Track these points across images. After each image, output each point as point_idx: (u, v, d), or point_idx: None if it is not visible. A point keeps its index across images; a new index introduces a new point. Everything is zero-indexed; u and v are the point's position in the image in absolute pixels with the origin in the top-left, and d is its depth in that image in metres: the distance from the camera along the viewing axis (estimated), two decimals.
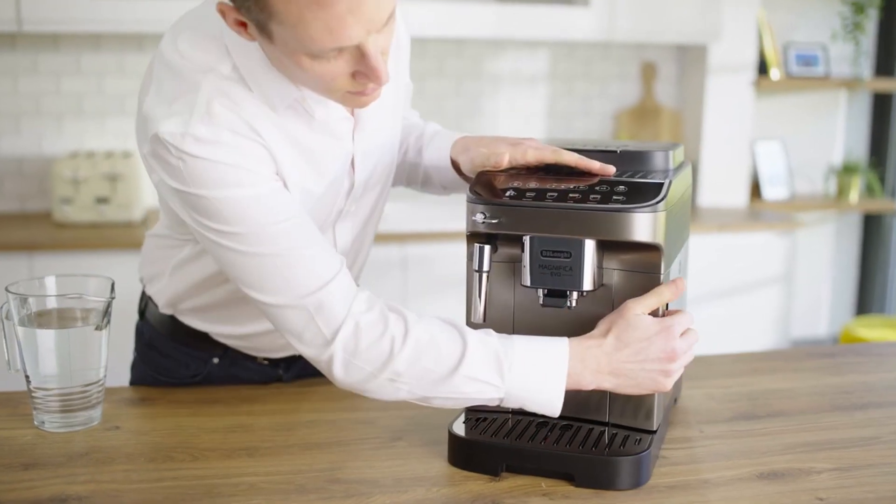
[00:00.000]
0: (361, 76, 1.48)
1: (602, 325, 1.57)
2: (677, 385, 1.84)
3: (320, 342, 1.53)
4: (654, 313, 1.58)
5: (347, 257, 1.88)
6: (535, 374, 1.53)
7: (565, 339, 1.55)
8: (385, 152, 1.83)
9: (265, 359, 1.98)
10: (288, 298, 1.53)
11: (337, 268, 1.55)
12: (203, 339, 1.95)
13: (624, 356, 1.55)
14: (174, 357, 1.98)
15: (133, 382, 2.05)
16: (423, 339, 1.53)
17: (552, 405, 1.54)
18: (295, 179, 1.62)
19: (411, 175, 1.99)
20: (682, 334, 1.58)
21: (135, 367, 2.06)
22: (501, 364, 1.53)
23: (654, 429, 1.59)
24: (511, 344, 1.55)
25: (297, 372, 2.00)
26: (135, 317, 2.05)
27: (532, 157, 1.65)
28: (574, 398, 1.59)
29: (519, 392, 1.54)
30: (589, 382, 1.55)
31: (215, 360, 1.96)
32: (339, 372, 1.54)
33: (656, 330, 1.55)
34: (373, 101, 1.57)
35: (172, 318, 1.95)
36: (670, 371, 1.55)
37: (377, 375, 1.53)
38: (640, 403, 1.61)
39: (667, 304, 1.60)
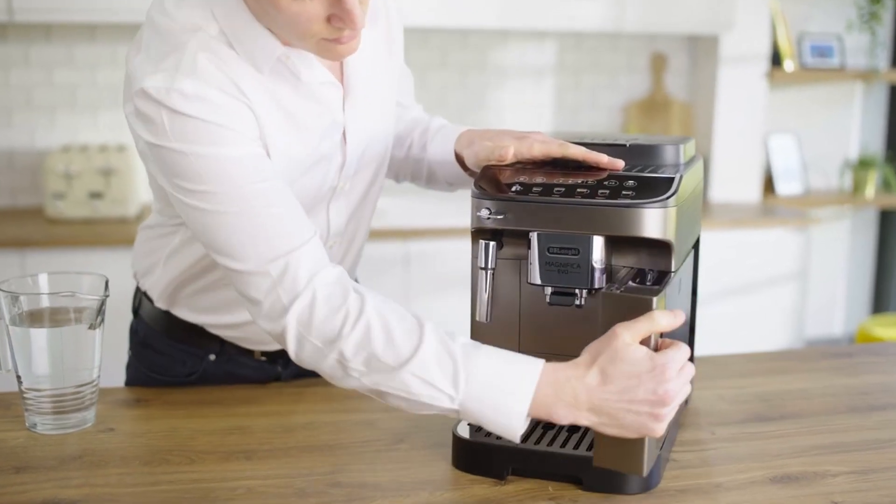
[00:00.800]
0: (337, 20, 1.50)
1: (587, 353, 1.45)
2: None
3: (278, 311, 1.51)
4: (646, 342, 1.43)
5: (342, 242, 1.89)
6: (495, 392, 1.44)
7: (541, 362, 1.45)
8: (379, 130, 1.84)
9: (262, 353, 1.98)
10: (254, 263, 1.52)
11: (308, 235, 1.54)
12: (199, 333, 1.95)
13: (608, 393, 1.41)
14: (169, 354, 1.98)
15: (128, 383, 2.05)
16: (376, 324, 1.48)
17: (511, 430, 1.45)
18: (280, 146, 1.63)
19: (416, 170, 2.00)
20: (678, 374, 1.42)
21: (129, 366, 2.06)
22: (458, 372, 1.45)
23: (643, 474, 1.47)
24: (476, 353, 1.47)
25: (297, 370, 2.00)
26: (129, 316, 2.05)
27: (538, 150, 1.65)
28: None
29: (475, 408, 1.45)
30: (563, 416, 1.43)
31: (212, 357, 1.96)
32: (293, 346, 1.52)
33: (648, 367, 1.40)
34: (350, 53, 1.59)
35: (167, 314, 1.96)
36: (661, 415, 1.41)
37: (327, 355, 1.49)
38: (626, 443, 1.46)
39: (661, 334, 1.46)
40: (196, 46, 1.55)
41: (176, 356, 1.98)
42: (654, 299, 1.42)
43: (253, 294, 1.54)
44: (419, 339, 1.47)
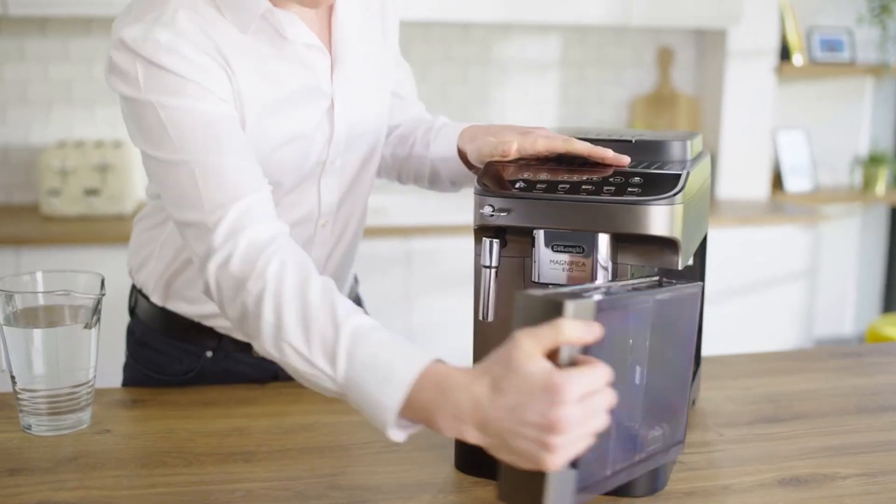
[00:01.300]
0: None
1: (485, 361, 1.28)
2: (695, 388, 1.84)
3: (203, 262, 1.53)
4: (554, 357, 1.22)
5: (335, 225, 1.91)
6: (370, 381, 1.34)
7: (430, 358, 1.33)
8: (371, 112, 1.87)
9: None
10: (199, 213, 1.53)
11: (252, 189, 1.55)
12: (195, 329, 1.96)
13: (496, 408, 1.22)
14: (166, 353, 1.99)
15: (125, 384, 2.06)
16: (270, 291, 1.44)
17: (384, 428, 1.34)
18: (259, 109, 1.67)
19: (419, 170, 2.00)
20: (581, 399, 1.19)
21: (126, 367, 2.07)
22: (337, 352, 1.37)
23: None
24: (367, 336, 1.37)
25: None
26: (126, 315, 2.06)
27: (542, 146, 1.65)
28: None
29: (354, 396, 1.36)
30: (446, 428, 1.29)
31: (208, 354, 1.97)
32: (216, 300, 1.53)
33: (541, 385, 1.18)
34: (328, 1, 1.64)
35: (163, 311, 1.96)
36: (550, 445, 1.18)
37: (235, 310, 1.49)
38: (526, 475, 1.25)
39: (585, 350, 1.24)
40: (178, 4, 1.60)
41: (173, 354, 1.99)
42: (569, 304, 1.20)
43: (192, 245, 1.56)
44: (305, 311, 1.41)
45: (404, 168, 2.03)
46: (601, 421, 1.21)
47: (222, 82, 1.60)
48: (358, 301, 2.20)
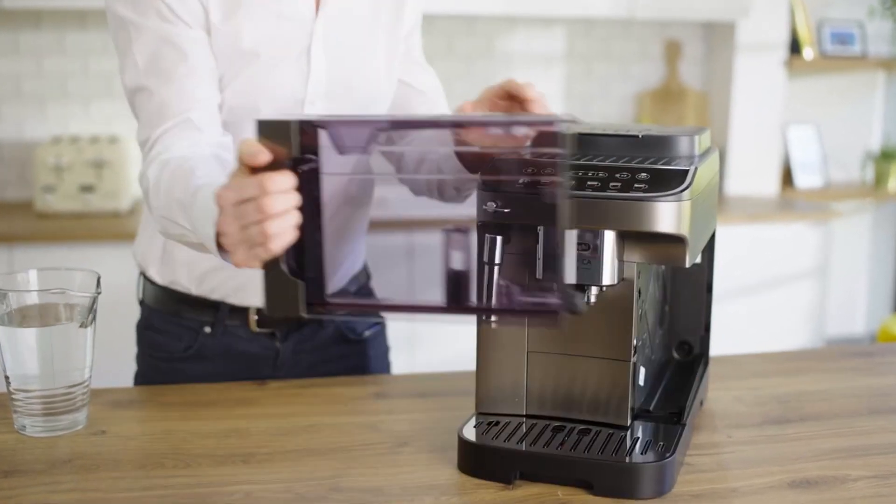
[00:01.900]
0: None
1: None
2: (703, 388, 1.84)
3: (141, 172, 1.75)
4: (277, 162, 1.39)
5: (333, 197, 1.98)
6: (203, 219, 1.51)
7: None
8: (364, 64, 1.98)
9: (257, 322, 2.04)
10: (142, 133, 1.79)
11: (191, 107, 1.77)
12: (192, 304, 2.03)
13: (225, 192, 1.41)
14: (167, 331, 2.06)
15: (136, 374, 2.14)
16: (155, 168, 1.69)
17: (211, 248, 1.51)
18: (228, 17, 1.83)
19: (427, 180, 2.06)
20: (245, 199, 1.37)
21: (137, 358, 2.15)
22: (192, 205, 1.55)
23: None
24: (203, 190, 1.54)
25: (296, 344, 2.06)
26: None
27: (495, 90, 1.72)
28: (573, 396, 1.60)
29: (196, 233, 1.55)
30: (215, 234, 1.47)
31: (207, 330, 2.03)
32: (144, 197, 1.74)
33: (237, 180, 1.40)
34: None
35: (164, 290, 2.05)
36: (265, 217, 1.36)
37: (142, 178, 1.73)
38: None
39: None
40: None
41: (172, 332, 2.06)
42: (259, 123, 1.39)
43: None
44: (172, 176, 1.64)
45: (414, 182, 2.08)
46: (265, 225, 1.35)
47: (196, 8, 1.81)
48: (370, 294, 2.21)
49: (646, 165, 1.53)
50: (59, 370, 1.69)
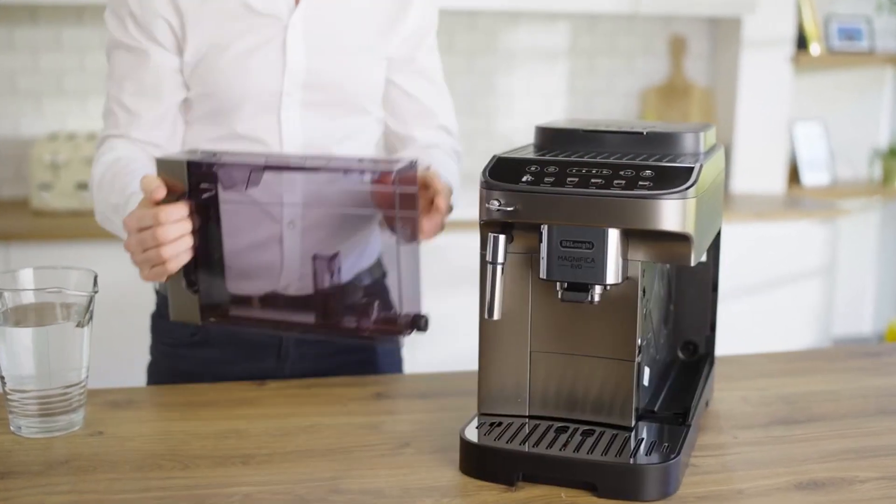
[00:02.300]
0: None
1: None
2: (708, 389, 1.84)
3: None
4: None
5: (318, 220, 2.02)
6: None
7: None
8: (345, 60, 2.04)
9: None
10: (104, 130, 2.06)
11: (124, 128, 2.03)
12: None
13: (128, 220, 1.72)
14: None
15: (150, 363, 2.23)
16: (100, 168, 1.97)
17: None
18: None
19: None
20: (141, 227, 1.69)
21: (150, 348, 2.24)
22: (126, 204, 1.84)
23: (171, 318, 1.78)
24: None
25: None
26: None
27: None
28: (576, 397, 1.60)
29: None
30: None
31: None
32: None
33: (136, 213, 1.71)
34: None
35: None
36: (159, 243, 1.67)
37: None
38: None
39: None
40: None
41: None
42: (158, 161, 1.73)
43: None
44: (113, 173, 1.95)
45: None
46: (161, 250, 1.68)
47: (165, 32, 1.97)
48: (384, 291, 2.22)
49: (650, 163, 1.53)
50: (56, 370, 1.69)
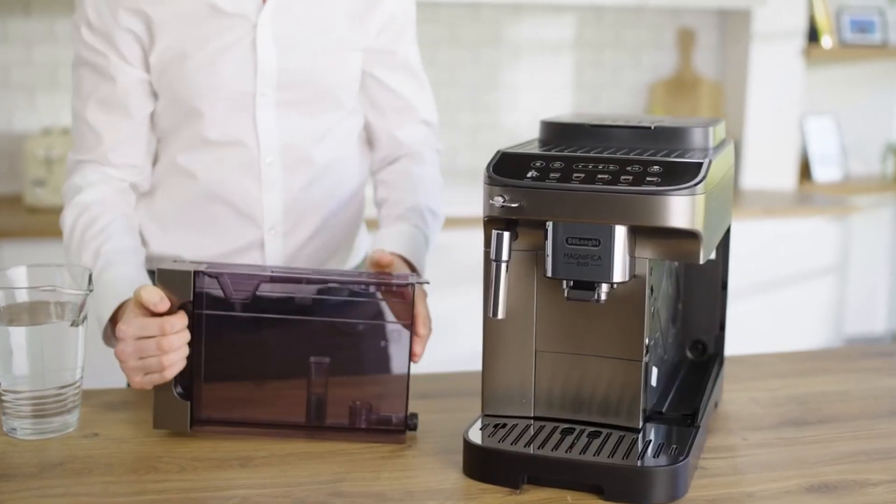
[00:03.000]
0: None
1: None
2: (717, 389, 1.84)
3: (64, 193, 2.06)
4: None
5: (288, 164, 2.05)
6: (103, 300, 1.86)
7: (124, 296, 1.83)
8: (319, 55, 2.04)
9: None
10: (73, 153, 2.06)
11: (97, 156, 2.02)
12: None
13: (119, 331, 1.71)
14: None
15: None
16: (69, 222, 2.01)
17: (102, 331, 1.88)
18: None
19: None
20: (138, 337, 1.68)
21: None
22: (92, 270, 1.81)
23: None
24: (110, 264, 1.90)
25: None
26: None
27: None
28: (582, 398, 1.60)
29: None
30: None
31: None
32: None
33: (128, 320, 1.71)
34: None
35: (148, 273, 2.09)
36: (162, 352, 1.67)
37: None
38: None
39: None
40: None
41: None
42: (159, 272, 1.71)
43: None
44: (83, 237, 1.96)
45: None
46: (162, 358, 1.67)
47: (129, 43, 1.97)
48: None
49: (658, 158, 1.53)
50: (50, 370, 1.69)
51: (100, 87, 2.00)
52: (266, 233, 2.05)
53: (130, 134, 2.02)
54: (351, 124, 2.14)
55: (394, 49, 2.13)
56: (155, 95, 2.03)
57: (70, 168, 2.08)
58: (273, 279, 1.77)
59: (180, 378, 1.71)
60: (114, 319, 1.84)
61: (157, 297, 1.66)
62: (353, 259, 2.24)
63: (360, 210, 2.25)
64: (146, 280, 1.91)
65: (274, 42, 1.98)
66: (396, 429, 1.73)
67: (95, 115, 2.01)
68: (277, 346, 1.79)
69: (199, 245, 2.08)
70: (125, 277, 1.88)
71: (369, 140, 2.22)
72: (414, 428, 1.73)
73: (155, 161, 2.08)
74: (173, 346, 1.66)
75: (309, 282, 1.75)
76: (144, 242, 2.09)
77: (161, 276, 1.69)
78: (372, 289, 1.83)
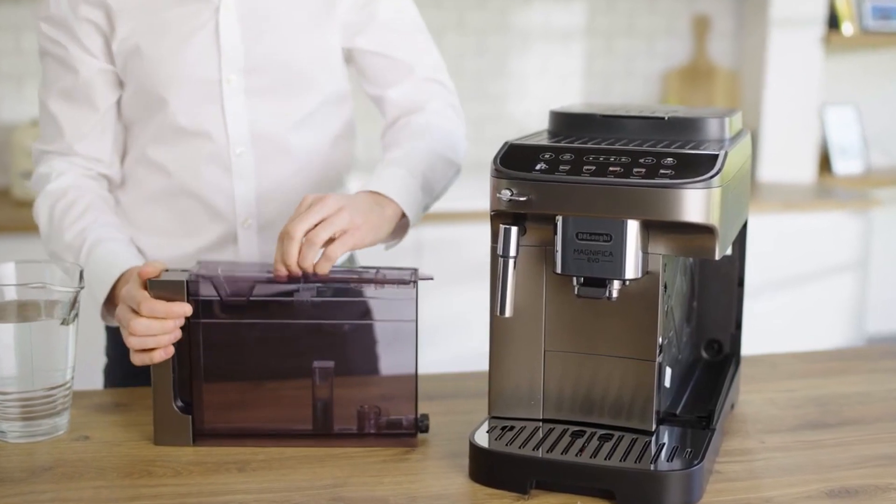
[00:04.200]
0: None
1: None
2: (734, 390, 1.84)
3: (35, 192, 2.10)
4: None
5: (259, 154, 2.04)
6: (95, 280, 1.89)
7: (127, 267, 1.87)
8: (287, 37, 2.02)
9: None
10: (40, 143, 2.13)
11: (65, 148, 2.06)
12: None
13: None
14: None
15: (106, 366, 2.21)
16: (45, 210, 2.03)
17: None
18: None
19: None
20: (143, 315, 1.67)
21: (105, 349, 2.22)
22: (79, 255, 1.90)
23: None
24: (96, 243, 1.92)
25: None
26: None
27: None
28: (593, 399, 1.60)
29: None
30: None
31: None
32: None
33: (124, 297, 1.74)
34: None
35: None
36: (127, 338, 1.69)
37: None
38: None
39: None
40: None
41: None
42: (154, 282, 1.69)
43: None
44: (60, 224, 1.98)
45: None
46: (165, 338, 1.68)
47: (90, 33, 1.98)
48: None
49: (672, 150, 1.53)
50: (39, 370, 1.69)
51: (62, 78, 2.03)
52: (239, 227, 2.03)
53: (95, 125, 2.05)
54: (335, 111, 2.12)
55: (371, 14, 2.08)
56: (121, 85, 2.03)
57: (36, 158, 2.13)
58: (269, 280, 1.76)
59: (180, 391, 1.71)
60: (110, 295, 1.87)
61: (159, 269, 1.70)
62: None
63: None
64: (138, 256, 1.95)
65: (239, 24, 1.97)
66: (407, 431, 1.72)
67: (58, 105, 2.06)
68: (278, 351, 1.78)
69: (172, 241, 2.07)
70: (118, 252, 1.92)
71: (380, 114, 2.19)
72: (425, 430, 1.73)
73: (125, 154, 2.09)
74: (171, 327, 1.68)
75: (307, 281, 1.75)
76: None
77: (153, 286, 1.68)
78: (372, 287, 1.80)
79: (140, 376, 2.02)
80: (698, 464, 1.52)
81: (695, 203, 1.47)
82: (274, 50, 2.00)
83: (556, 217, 1.54)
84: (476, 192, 3.97)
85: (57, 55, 2.02)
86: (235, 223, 2.04)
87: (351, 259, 2.27)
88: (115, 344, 2.16)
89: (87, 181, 2.06)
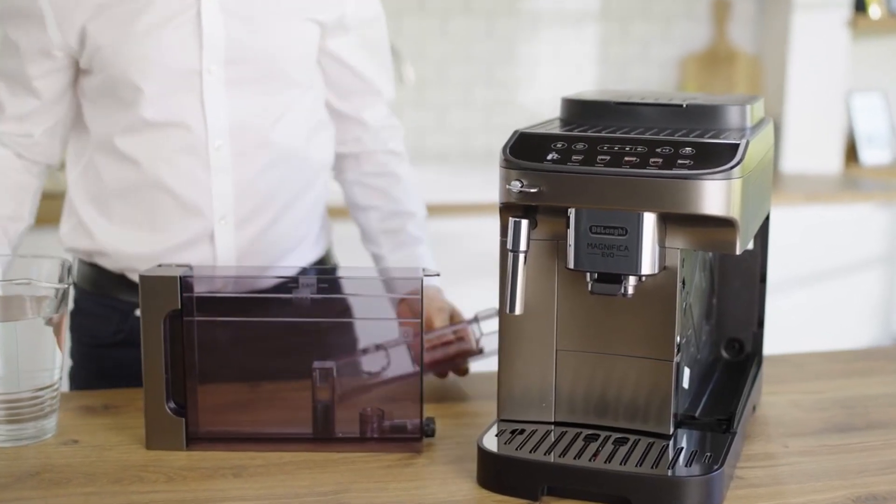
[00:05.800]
0: None
1: None
2: (756, 391, 1.84)
3: None
4: None
5: (237, 149, 2.05)
6: None
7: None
8: (268, 35, 2.02)
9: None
10: None
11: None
12: (120, 284, 2.12)
13: None
14: (96, 314, 2.16)
15: (72, 369, 2.23)
16: None
17: None
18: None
19: (364, 227, 2.29)
20: None
21: (71, 350, 2.23)
22: None
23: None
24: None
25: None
26: None
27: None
28: (608, 401, 1.60)
29: None
30: None
31: (137, 313, 1.99)
32: None
33: None
34: None
35: (92, 267, 2.13)
36: None
37: None
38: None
39: None
40: None
41: (101, 314, 2.16)
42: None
43: None
44: None
45: (356, 215, 2.29)
46: None
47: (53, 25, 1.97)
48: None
49: (691, 139, 1.53)
50: (25, 371, 1.69)
51: (7, 62, 2.06)
52: (216, 223, 2.04)
53: (34, 110, 2.07)
54: (310, 101, 2.14)
55: (354, 20, 2.11)
56: (73, 73, 2.06)
57: None
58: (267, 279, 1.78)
59: (173, 392, 1.71)
60: None
61: None
62: (315, 252, 2.23)
63: (323, 196, 2.24)
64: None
65: (221, 13, 1.97)
66: (412, 436, 1.72)
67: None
68: (276, 351, 1.78)
69: (145, 236, 2.07)
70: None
71: (331, 118, 2.21)
72: (431, 434, 1.73)
73: (94, 146, 2.08)
74: None
75: (306, 280, 1.75)
76: (90, 235, 2.10)
77: (144, 283, 1.67)
78: (378, 287, 1.83)
79: (108, 378, 2.11)
80: (718, 469, 1.52)
81: (714, 195, 1.47)
82: (257, 40, 2.01)
83: (569, 210, 1.54)
84: (484, 183, 3.97)
85: (11, 36, 2.03)
86: (212, 219, 2.04)
87: (328, 254, 2.31)
88: (80, 345, 2.20)
89: (8, 161, 2.11)
